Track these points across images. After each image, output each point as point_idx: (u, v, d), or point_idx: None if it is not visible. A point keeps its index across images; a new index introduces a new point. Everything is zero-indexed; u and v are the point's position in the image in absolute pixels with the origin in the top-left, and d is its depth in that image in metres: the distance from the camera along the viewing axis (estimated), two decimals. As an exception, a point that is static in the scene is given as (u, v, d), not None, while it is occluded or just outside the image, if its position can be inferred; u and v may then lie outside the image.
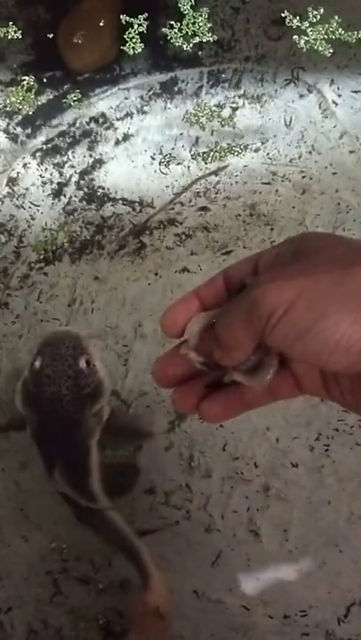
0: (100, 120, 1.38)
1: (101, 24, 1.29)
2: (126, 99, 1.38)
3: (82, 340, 1.01)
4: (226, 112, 1.33)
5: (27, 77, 1.38)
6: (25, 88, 1.38)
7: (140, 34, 1.35)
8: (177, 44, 1.33)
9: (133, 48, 1.35)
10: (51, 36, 1.41)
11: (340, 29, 1.28)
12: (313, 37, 1.26)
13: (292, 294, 0.39)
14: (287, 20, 1.31)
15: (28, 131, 1.39)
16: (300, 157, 1.28)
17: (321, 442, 1.16)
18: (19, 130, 1.39)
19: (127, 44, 1.35)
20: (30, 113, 1.38)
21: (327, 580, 1.11)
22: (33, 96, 1.38)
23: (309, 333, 0.39)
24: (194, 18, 1.31)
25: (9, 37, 1.36)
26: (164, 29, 1.35)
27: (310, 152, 1.28)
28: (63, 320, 1.27)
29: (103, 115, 1.38)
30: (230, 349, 0.44)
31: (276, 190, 1.27)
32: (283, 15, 1.30)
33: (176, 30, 1.33)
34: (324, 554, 1.12)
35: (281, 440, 1.16)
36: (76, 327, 1.19)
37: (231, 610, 1.11)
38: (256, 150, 1.30)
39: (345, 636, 1.10)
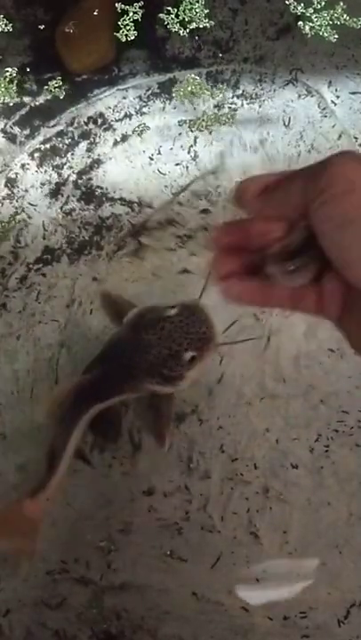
0: (99, 121, 1.37)
1: (95, 13, 1.28)
2: (124, 98, 1.37)
3: (211, 342, 0.95)
4: (224, 112, 1.33)
5: (10, 69, 1.38)
6: (7, 80, 1.38)
7: (134, 21, 1.35)
8: (173, 30, 1.32)
9: (127, 36, 1.34)
10: (47, 35, 1.40)
11: (346, 15, 1.28)
12: (318, 23, 1.26)
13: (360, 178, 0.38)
14: (291, 8, 1.30)
15: (27, 131, 1.39)
16: (298, 157, 1.28)
17: (321, 443, 1.16)
18: (17, 130, 1.39)
19: (120, 31, 1.34)
20: (11, 104, 1.38)
21: (327, 581, 1.11)
22: (14, 88, 1.38)
23: (353, 225, 0.38)
24: (191, 4, 1.30)
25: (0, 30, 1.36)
26: (160, 15, 1.34)
27: (309, 151, 1.28)
28: (62, 321, 1.27)
29: (102, 115, 1.37)
30: (272, 219, 0.44)
31: (275, 191, 1.27)
32: (286, 3, 1.29)
33: (173, 16, 1.33)
34: (324, 555, 1.12)
35: (280, 441, 1.15)
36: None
37: (231, 612, 1.11)
38: (255, 150, 1.30)
39: (345, 637, 1.09)
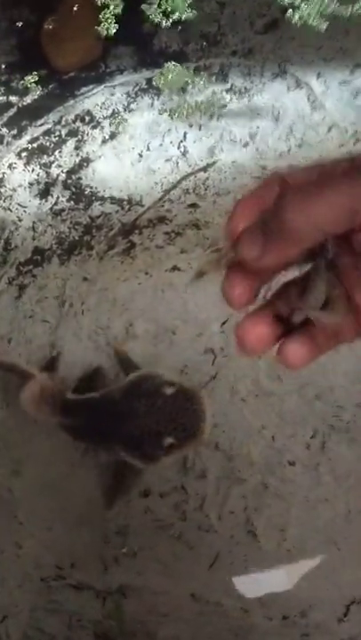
0: (87, 118, 1.36)
1: (75, 8, 1.27)
2: (112, 95, 1.36)
3: (195, 437, 0.93)
4: (214, 107, 1.31)
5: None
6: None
7: (115, 15, 1.33)
8: (155, 21, 1.31)
9: (108, 29, 1.33)
10: (35, 35, 1.39)
11: (335, 3, 1.26)
12: (307, 12, 1.24)
13: None
14: None
15: (14, 131, 1.37)
16: (289, 151, 1.27)
17: (317, 439, 1.14)
18: (4, 130, 1.38)
19: (102, 25, 1.33)
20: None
21: (326, 578, 1.10)
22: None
23: None
24: None
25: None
26: (143, 5, 1.33)
27: (300, 145, 1.26)
28: (53, 322, 1.25)
29: (89, 113, 1.36)
30: (291, 238, 0.37)
31: (266, 185, 1.26)
32: None
33: (155, 6, 1.32)
34: (322, 552, 1.10)
35: (276, 438, 1.14)
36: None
37: (230, 612, 1.10)
38: (245, 145, 1.28)
39: (345, 635, 1.08)
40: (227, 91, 1.32)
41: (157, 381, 0.96)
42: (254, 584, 1.10)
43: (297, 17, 1.26)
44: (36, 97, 1.38)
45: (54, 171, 1.34)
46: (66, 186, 1.33)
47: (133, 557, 1.14)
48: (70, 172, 1.34)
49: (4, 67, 1.41)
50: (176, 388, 0.94)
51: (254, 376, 1.17)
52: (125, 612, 1.12)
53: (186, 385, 0.96)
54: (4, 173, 1.35)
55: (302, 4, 1.24)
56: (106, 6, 1.33)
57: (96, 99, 1.37)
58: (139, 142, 1.33)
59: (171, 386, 0.94)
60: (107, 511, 1.13)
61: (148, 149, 1.32)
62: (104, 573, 1.15)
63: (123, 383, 1.01)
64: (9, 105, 1.39)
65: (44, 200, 1.33)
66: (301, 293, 0.43)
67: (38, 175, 1.35)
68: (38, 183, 1.34)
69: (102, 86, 1.37)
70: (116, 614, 1.11)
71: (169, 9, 1.31)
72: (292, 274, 0.44)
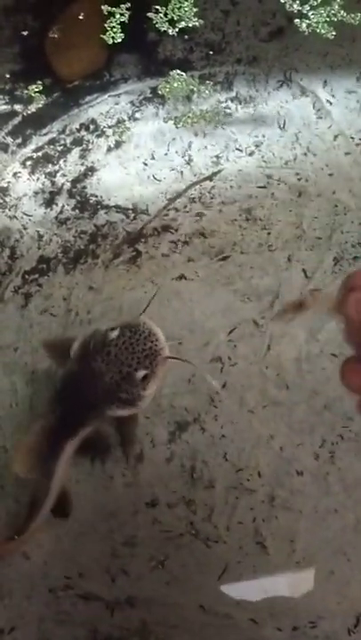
0: (91, 127, 1.36)
1: (80, 17, 1.27)
2: (117, 104, 1.36)
3: (159, 356, 0.96)
4: (219, 116, 1.31)
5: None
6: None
7: (121, 23, 1.33)
8: (162, 29, 1.31)
9: (113, 38, 1.33)
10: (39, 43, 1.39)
11: (343, 11, 1.26)
12: (315, 20, 1.24)
13: None
14: (287, 5, 1.29)
15: (19, 140, 1.37)
16: (295, 160, 1.26)
17: (325, 449, 1.14)
18: (9, 139, 1.37)
19: (107, 34, 1.33)
20: (3, 114, 1.37)
21: (336, 589, 1.09)
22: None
23: None
24: (180, 2, 1.29)
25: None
26: (149, 14, 1.33)
27: (305, 154, 1.26)
28: (59, 331, 1.25)
29: (94, 121, 1.36)
30: None
31: (272, 194, 1.25)
32: (281, 1, 1.28)
33: (162, 15, 1.32)
34: (332, 563, 1.10)
35: (285, 448, 1.14)
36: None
37: (240, 624, 1.09)
38: (250, 154, 1.28)
39: (356, 646, 1.07)
40: (232, 99, 1.32)
41: (99, 334, 0.98)
42: (254, 588, 1.10)
43: (305, 25, 1.26)
44: (40, 105, 1.38)
45: (59, 179, 1.34)
46: (71, 194, 1.33)
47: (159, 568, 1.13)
48: (75, 181, 1.33)
49: (8, 75, 1.41)
50: (119, 328, 0.96)
51: (262, 386, 1.16)
52: (133, 624, 1.12)
53: (125, 321, 0.99)
54: (9, 182, 1.35)
55: (310, 13, 1.25)
56: (112, 14, 1.33)
57: (101, 107, 1.37)
58: (144, 151, 1.32)
59: (112, 330, 0.97)
60: (125, 467, 1.15)
61: (153, 158, 1.31)
62: (112, 584, 1.14)
63: (73, 354, 1.01)
64: (13, 114, 1.39)
65: (49, 209, 1.33)
66: None
67: (43, 184, 1.34)
68: (43, 192, 1.34)
69: (107, 95, 1.37)
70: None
71: (175, 17, 1.31)
72: None
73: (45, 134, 1.37)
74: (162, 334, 0.96)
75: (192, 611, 1.10)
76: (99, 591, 1.14)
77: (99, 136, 1.35)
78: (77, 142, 1.35)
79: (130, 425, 1.10)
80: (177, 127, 1.31)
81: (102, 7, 1.35)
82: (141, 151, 1.32)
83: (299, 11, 1.28)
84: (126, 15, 1.33)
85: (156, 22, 1.33)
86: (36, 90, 1.38)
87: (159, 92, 1.34)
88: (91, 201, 1.32)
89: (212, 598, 1.10)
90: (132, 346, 0.95)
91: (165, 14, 1.33)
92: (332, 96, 1.28)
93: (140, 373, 0.94)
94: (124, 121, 1.34)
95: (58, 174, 1.34)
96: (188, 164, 1.30)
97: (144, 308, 1.07)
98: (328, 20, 1.26)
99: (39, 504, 1.04)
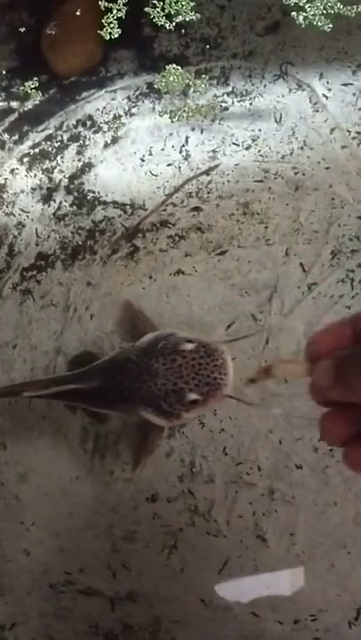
0: (88, 123, 1.35)
1: (78, 13, 1.27)
2: (113, 100, 1.36)
3: (219, 391, 0.89)
4: (215, 110, 1.31)
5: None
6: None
7: (118, 19, 1.33)
8: (160, 24, 1.31)
9: (110, 33, 1.33)
10: (34, 39, 1.39)
11: (339, 4, 1.25)
12: (312, 13, 1.24)
13: None
14: None
15: (16, 137, 1.37)
16: (291, 154, 1.26)
17: (325, 442, 1.14)
18: (6, 136, 1.37)
19: (104, 29, 1.33)
20: None
21: (336, 582, 1.09)
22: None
23: None
24: None
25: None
26: (146, 9, 1.33)
27: (302, 148, 1.26)
28: (58, 328, 1.25)
29: (90, 117, 1.36)
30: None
31: (269, 188, 1.25)
32: None
33: (159, 9, 1.32)
34: (332, 556, 1.10)
35: (284, 442, 1.14)
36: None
37: (241, 617, 1.09)
38: (247, 148, 1.28)
39: (356, 638, 1.08)
40: (228, 93, 1.31)
41: (173, 339, 0.92)
42: (255, 585, 1.09)
43: (301, 18, 1.26)
44: (36, 102, 1.38)
45: (56, 176, 1.34)
46: (68, 191, 1.33)
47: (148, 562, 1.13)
48: (72, 177, 1.33)
49: (4, 72, 1.41)
50: (196, 344, 0.90)
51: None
52: (135, 619, 1.12)
53: (205, 339, 0.92)
54: (6, 179, 1.35)
55: (307, 5, 1.24)
56: (109, 10, 1.33)
57: (97, 103, 1.36)
58: (140, 146, 1.32)
59: (189, 342, 0.91)
60: (133, 472, 1.11)
61: (150, 153, 1.31)
62: (113, 579, 1.14)
63: (139, 343, 0.96)
64: (10, 110, 1.39)
65: (46, 205, 1.33)
66: None
67: (40, 180, 1.34)
68: (41, 188, 1.34)
69: (103, 91, 1.37)
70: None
71: (172, 12, 1.31)
72: None
73: (42, 131, 1.37)
74: (233, 372, 0.89)
75: (193, 605, 1.11)
76: (99, 586, 1.14)
77: (95, 132, 1.35)
78: (74, 138, 1.35)
79: (155, 434, 1.05)
80: (173, 121, 1.31)
81: (100, 3, 1.34)
82: (138, 147, 1.32)
83: (295, 3, 1.28)
84: (123, 11, 1.33)
85: (154, 17, 1.32)
86: (33, 86, 1.38)
87: (155, 87, 1.33)
88: (88, 197, 1.32)
89: (213, 592, 1.11)
90: (200, 367, 0.89)
91: (163, 8, 1.33)
92: (329, 89, 1.27)
93: (192, 396, 0.88)
94: (121, 116, 1.34)
95: (55, 170, 1.34)
96: (185, 159, 1.30)
97: (233, 339, 1.05)
98: (325, 12, 1.25)
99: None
